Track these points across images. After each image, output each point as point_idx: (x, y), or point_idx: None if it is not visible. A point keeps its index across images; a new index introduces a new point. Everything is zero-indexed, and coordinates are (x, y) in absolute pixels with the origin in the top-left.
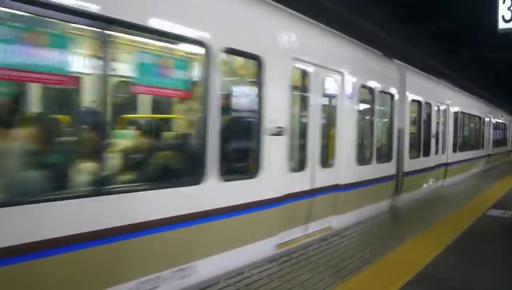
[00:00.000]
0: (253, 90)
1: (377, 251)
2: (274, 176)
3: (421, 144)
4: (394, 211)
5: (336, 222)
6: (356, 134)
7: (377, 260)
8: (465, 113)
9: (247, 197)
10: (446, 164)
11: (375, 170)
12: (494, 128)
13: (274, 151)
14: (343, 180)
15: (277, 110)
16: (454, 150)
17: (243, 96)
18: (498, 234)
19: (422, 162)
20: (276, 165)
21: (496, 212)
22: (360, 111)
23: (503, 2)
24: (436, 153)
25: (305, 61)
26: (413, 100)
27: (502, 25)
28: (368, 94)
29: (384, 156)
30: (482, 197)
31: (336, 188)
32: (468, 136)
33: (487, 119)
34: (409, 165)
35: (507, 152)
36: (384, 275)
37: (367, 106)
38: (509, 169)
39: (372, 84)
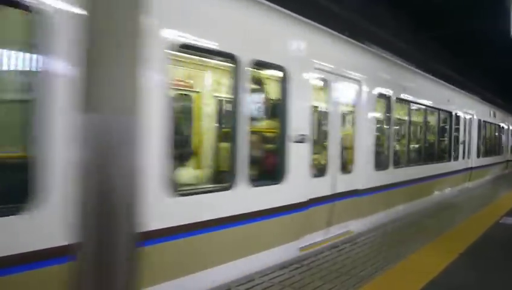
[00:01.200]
0: None
1: (390, 257)
2: None
3: (255, 158)
4: None
5: None
6: None
7: (389, 267)
8: (414, 102)
9: None
10: (354, 193)
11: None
12: (482, 132)
13: None
14: None
15: None
16: (381, 166)
17: None
18: None
19: (259, 197)
20: None
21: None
22: None
23: None
24: (322, 173)
25: None
26: (221, 54)
27: None
28: None
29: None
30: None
31: None
32: (424, 140)
33: (467, 117)
34: (195, 211)
35: (504, 163)
36: (396, 283)
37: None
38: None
39: None
